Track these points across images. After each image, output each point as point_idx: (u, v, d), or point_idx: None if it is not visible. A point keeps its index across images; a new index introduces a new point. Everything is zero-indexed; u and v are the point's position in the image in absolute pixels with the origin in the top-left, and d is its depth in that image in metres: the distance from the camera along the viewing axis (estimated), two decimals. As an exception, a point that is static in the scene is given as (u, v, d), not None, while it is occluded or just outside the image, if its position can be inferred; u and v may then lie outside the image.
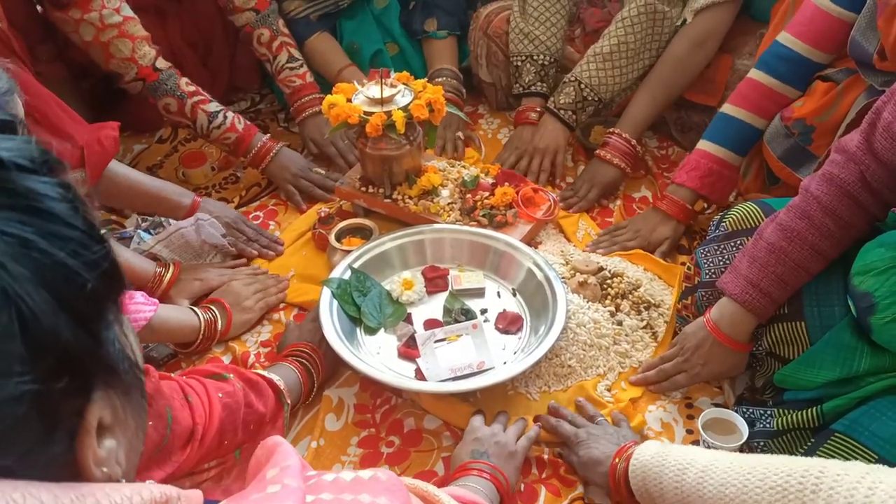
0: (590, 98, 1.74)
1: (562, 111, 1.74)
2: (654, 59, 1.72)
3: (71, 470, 0.42)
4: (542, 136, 1.76)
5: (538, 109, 1.81)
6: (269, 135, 1.73)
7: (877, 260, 1.03)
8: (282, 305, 1.47)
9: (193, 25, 1.86)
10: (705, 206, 1.68)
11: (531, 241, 1.52)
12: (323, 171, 1.75)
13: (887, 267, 1.02)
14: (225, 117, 1.65)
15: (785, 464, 0.81)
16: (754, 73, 1.46)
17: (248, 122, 1.69)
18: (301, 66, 1.81)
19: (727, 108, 1.49)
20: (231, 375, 1.07)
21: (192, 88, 1.63)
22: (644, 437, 1.19)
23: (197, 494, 0.45)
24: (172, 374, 1.02)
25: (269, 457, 0.48)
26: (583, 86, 1.73)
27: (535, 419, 1.21)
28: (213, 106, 1.65)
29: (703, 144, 1.51)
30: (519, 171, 1.74)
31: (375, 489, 0.48)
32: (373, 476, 0.50)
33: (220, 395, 1.03)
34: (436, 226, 1.49)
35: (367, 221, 1.55)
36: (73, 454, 0.42)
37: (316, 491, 0.46)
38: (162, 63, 1.61)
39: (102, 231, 0.44)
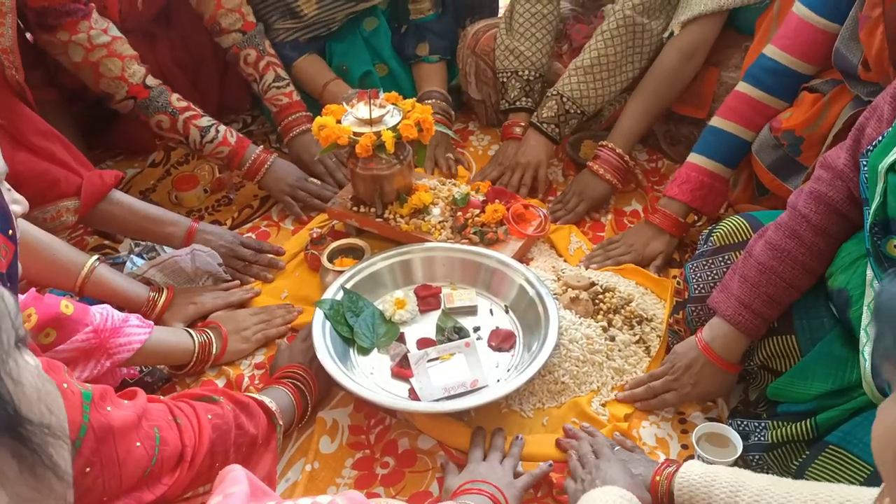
0: (572, 111, 1.74)
1: (545, 125, 1.75)
2: (637, 71, 1.73)
3: None
4: (525, 150, 1.77)
5: (523, 124, 1.82)
6: (262, 147, 1.73)
7: (844, 255, 1.03)
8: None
9: (182, 47, 1.87)
10: (696, 218, 1.69)
11: (522, 257, 1.53)
12: (318, 182, 1.75)
13: (854, 259, 1.03)
14: (217, 131, 1.65)
15: (845, 493, 0.80)
16: (742, 87, 1.47)
17: (241, 136, 1.70)
18: (287, 84, 1.82)
19: (716, 122, 1.50)
20: (221, 398, 1.07)
21: (184, 104, 1.64)
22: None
23: None
24: (161, 397, 1.02)
25: (220, 483, 0.48)
26: (565, 99, 1.74)
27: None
28: (205, 121, 1.65)
29: (694, 157, 1.52)
30: (501, 185, 1.75)
31: None
32: (331, 501, 0.49)
33: (210, 416, 1.02)
34: (427, 244, 1.49)
35: (358, 241, 1.55)
36: None
37: None
38: (152, 80, 1.62)
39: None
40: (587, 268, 1.53)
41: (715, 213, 1.59)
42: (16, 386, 0.46)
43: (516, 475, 1.14)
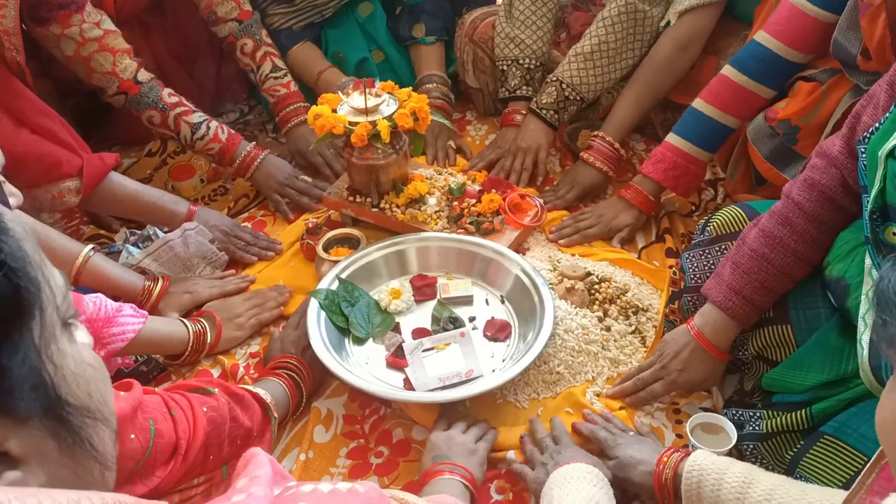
0: (571, 97, 1.73)
1: (544, 111, 1.74)
2: (636, 58, 1.72)
3: None
4: (525, 135, 1.76)
5: (523, 112, 1.81)
6: (254, 143, 1.73)
7: (842, 244, 1.03)
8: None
9: (178, 37, 1.86)
10: (693, 208, 1.68)
11: (518, 247, 1.52)
12: (309, 179, 1.74)
13: (852, 248, 1.03)
14: (208, 128, 1.64)
15: None
16: (727, 70, 1.46)
17: (233, 132, 1.69)
18: (285, 75, 1.82)
19: (697, 104, 1.49)
20: (216, 390, 1.07)
21: (175, 100, 1.63)
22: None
23: None
24: (156, 389, 1.02)
25: (244, 467, 0.48)
26: (564, 85, 1.73)
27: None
28: (197, 116, 1.64)
29: (671, 138, 1.52)
30: (502, 170, 1.74)
31: (353, 502, 0.48)
32: (351, 489, 0.49)
33: (205, 409, 1.02)
34: (423, 234, 1.49)
35: (354, 231, 1.54)
36: None
37: (292, 502, 0.46)
38: (144, 75, 1.61)
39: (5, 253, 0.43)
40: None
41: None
42: (56, 369, 0.47)
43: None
